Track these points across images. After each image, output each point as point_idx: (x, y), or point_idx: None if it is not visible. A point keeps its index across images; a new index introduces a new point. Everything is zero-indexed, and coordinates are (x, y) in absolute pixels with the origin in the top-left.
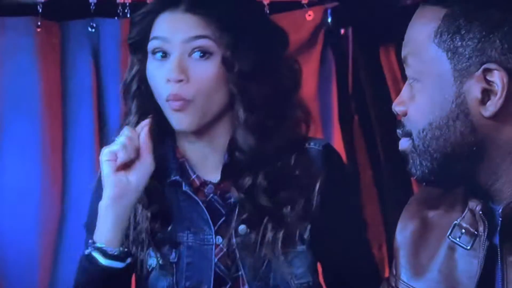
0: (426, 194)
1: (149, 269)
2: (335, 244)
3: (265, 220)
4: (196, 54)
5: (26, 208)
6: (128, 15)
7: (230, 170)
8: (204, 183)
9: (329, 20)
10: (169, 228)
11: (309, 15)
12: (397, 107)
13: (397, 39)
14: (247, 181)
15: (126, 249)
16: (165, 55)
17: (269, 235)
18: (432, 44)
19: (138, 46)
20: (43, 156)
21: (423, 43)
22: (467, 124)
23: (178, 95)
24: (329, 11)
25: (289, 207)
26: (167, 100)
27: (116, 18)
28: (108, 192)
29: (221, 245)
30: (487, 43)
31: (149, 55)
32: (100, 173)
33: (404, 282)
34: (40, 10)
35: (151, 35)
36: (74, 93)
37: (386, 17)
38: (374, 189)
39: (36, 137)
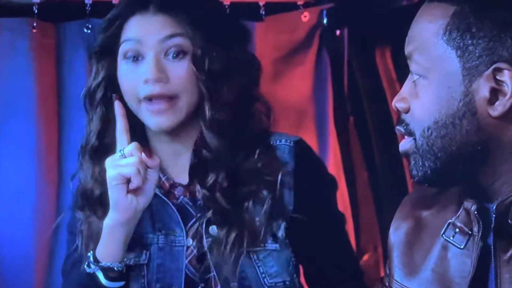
0: (420, 194)
1: None
2: (313, 241)
3: (229, 219)
4: (171, 54)
5: (22, 209)
6: None
7: (197, 170)
8: (174, 185)
9: (325, 21)
10: (141, 229)
11: (305, 16)
12: (398, 104)
13: (392, 41)
14: (210, 179)
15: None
16: (137, 57)
17: (233, 234)
18: (440, 41)
19: (105, 53)
20: (39, 157)
21: (431, 40)
22: (474, 123)
23: (161, 93)
24: (324, 12)
25: (251, 204)
26: (146, 100)
27: None
28: (116, 216)
29: (191, 247)
30: (498, 42)
31: (120, 59)
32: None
33: (397, 281)
34: (36, 11)
35: (122, 39)
36: (69, 94)
37: (382, 18)
38: (370, 191)
39: (32, 138)
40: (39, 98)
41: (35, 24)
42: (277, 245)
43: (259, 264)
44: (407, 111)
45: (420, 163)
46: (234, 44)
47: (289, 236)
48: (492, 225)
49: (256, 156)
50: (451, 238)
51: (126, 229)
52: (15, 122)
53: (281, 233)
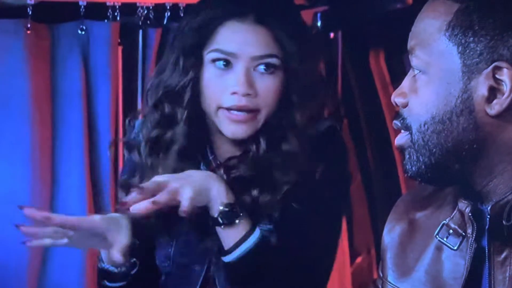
0: (414, 195)
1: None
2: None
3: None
4: (261, 68)
5: (15, 210)
6: (118, 18)
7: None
8: (219, 166)
9: (319, 24)
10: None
11: None
12: (397, 98)
13: (386, 43)
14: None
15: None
16: (227, 64)
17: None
18: (442, 37)
19: (194, 52)
20: (33, 158)
21: (433, 35)
22: (471, 120)
23: (246, 106)
24: (318, 15)
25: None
26: (228, 109)
27: (106, 20)
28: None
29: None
30: (500, 41)
31: (207, 62)
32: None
33: (390, 283)
34: (30, 13)
35: (215, 46)
36: (63, 95)
37: (376, 21)
38: (363, 193)
39: (26, 139)
40: (33, 99)
41: (29, 25)
42: (271, 227)
43: None
44: (405, 105)
45: (415, 158)
46: (316, 54)
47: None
48: (487, 227)
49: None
50: (445, 239)
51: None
52: (9, 122)
53: (277, 214)
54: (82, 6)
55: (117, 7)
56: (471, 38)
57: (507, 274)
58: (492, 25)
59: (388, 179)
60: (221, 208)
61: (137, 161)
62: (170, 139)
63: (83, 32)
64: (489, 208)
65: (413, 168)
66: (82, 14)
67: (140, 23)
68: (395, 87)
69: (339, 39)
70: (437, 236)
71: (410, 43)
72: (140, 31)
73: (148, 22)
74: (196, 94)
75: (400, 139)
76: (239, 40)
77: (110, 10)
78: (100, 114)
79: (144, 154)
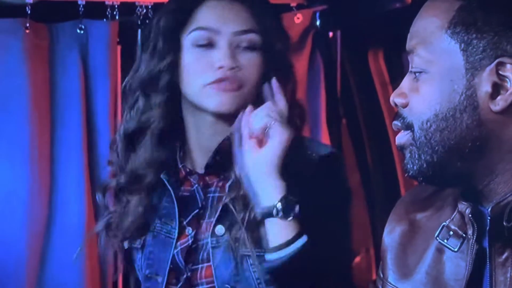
0: (414, 196)
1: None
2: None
3: (242, 216)
4: (244, 44)
5: (14, 209)
6: (117, 17)
7: (219, 160)
8: (191, 173)
9: (318, 23)
10: (148, 216)
11: (298, 18)
12: (397, 99)
13: (385, 43)
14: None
15: None
16: (209, 45)
17: (242, 234)
18: (444, 35)
19: (172, 35)
20: (31, 157)
21: (434, 33)
22: (475, 117)
23: (232, 78)
24: (317, 14)
25: None
26: (214, 83)
27: (104, 20)
28: None
29: (189, 236)
30: (504, 37)
31: (188, 45)
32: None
33: (391, 284)
34: (29, 12)
35: (195, 25)
36: (62, 94)
37: (375, 20)
38: (362, 192)
39: (24, 138)
40: (32, 98)
41: (28, 25)
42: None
43: (254, 269)
44: (405, 105)
45: (416, 156)
46: (286, 41)
47: None
48: (487, 228)
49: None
50: (445, 241)
51: None
52: (8, 122)
53: None
54: (81, 5)
55: (116, 6)
56: (474, 35)
57: (508, 275)
58: (496, 21)
59: (387, 178)
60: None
61: (116, 162)
62: (146, 125)
63: (82, 31)
64: (489, 209)
65: (414, 167)
66: (81, 14)
67: (139, 22)
68: (394, 87)
69: (338, 39)
70: (438, 238)
71: (410, 42)
72: (139, 30)
73: (147, 21)
74: (173, 79)
75: (401, 138)
76: (219, 17)
77: (109, 9)
78: (99, 113)
79: (121, 152)
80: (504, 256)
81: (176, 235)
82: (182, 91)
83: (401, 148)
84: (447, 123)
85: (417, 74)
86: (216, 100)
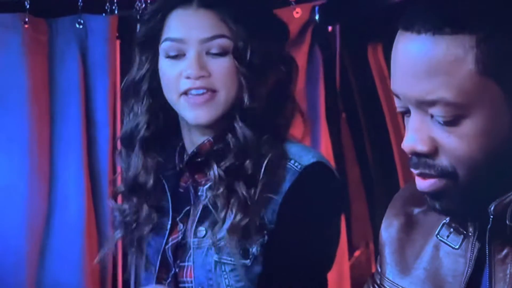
0: (411, 191)
1: None
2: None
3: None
4: (213, 50)
5: (13, 204)
6: (116, 12)
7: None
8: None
9: (317, 17)
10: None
11: (297, 13)
12: (419, 146)
13: (385, 37)
14: (226, 162)
15: None
16: (179, 55)
17: (222, 236)
18: (475, 75)
19: (147, 45)
20: (31, 152)
21: (462, 77)
22: None
23: (202, 86)
24: (316, 8)
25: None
26: (186, 94)
27: (103, 14)
28: None
29: (179, 233)
30: None
31: (161, 56)
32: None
33: (389, 280)
34: (28, 7)
35: (164, 36)
36: (61, 89)
37: (374, 14)
38: (362, 187)
39: (24, 133)
40: (31, 93)
41: (27, 20)
42: (247, 261)
43: (225, 276)
44: (433, 152)
45: (458, 200)
46: (273, 39)
47: (263, 253)
48: (489, 226)
49: (266, 161)
50: (446, 238)
51: None
52: (7, 117)
53: (255, 248)
54: (80, 0)
55: (115, 0)
56: (505, 62)
57: (508, 272)
58: None
59: (387, 173)
60: None
61: (122, 167)
62: (134, 132)
63: (81, 26)
64: (492, 208)
65: (449, 208)
66: (80, 8)
67: (138, 17)
68: None
69: (337, 33)
70: (438, 236)
71: (430, 97)
72: (138, 25)
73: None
74: (154, 86)
75: (432, 185)
76: (184, 26)
77: (108, 4)
78: (98, 108)
79: (124, 157)
80: (503, 253)
81: (169, 230)
82: (167, 100)
83: (432, 195)
84: (497, 156)
85: (443, 121)
86: (192, 114)
